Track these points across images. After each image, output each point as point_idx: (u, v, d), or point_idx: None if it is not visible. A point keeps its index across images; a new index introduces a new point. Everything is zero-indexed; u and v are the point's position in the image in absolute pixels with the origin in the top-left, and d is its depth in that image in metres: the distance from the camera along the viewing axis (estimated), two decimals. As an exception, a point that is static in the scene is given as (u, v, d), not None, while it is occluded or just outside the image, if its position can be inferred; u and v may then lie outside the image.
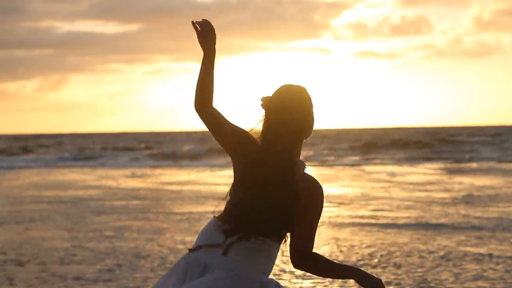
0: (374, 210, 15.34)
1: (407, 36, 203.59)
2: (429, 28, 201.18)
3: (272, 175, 3.26)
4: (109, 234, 12.44)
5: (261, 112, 3.38)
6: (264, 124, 3.34)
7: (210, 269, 3.25)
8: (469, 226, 12.80)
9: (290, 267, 9.20)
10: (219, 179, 26.24)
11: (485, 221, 13.48)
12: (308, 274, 9.00)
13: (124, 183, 25.42)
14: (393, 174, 27.93)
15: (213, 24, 3.37)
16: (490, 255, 10.06)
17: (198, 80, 3.35)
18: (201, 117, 3.38)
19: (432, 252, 10.40)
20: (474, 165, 34.68)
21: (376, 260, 9.86)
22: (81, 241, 11.72)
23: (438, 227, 12.75)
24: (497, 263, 9.55)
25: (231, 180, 3.40)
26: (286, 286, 8.37)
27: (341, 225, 12.89)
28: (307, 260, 3.31)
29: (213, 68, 3.35)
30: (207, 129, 3.44)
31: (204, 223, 13.58)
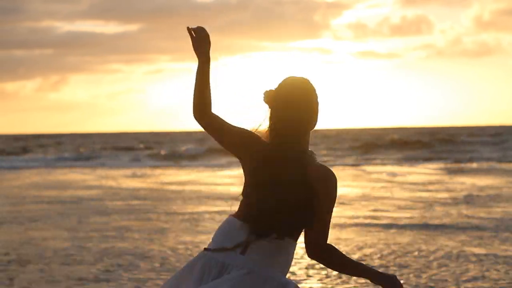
0: (375, 210, 15.32)
1: (407, 36, 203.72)
2: (429, 28, 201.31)
3: (284, 171, 3.24)
4: (110, 234, 12.42)
5: (265, 108, 3.36)
6: (271, 121, 3.33)
7: (228, 268, 3.23)
8: (470, 226, 12.79)
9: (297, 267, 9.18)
10: (219, 179, 26.20)
11: (487, 221, 13.46)
12: (314, 275, 9.01)
13: (124, 183, 25.41)
14: (393, 174, 27.92)
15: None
16: (492, 255, 10.05)
17: (195, 89, 3.32)
18: (201, 125, 3.37)
19: (434, 252, 10.39)
20: (474, 165, 34.66)
21: (377, 261, 9.85)
22: (82, 241, 11.70)
23: (439, 227, 12.73)
24: (500, 263, 9.54)
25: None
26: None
27: (342, 226, 12.86)
28: (323, 251, 3.31)
29: (209, 75, 3.33)
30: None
31: (204, 223, 13.63)
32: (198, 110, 3.33)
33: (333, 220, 13.73)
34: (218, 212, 15.35)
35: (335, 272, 9.08)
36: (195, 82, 3.32)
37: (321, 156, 45.55)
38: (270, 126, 3.32)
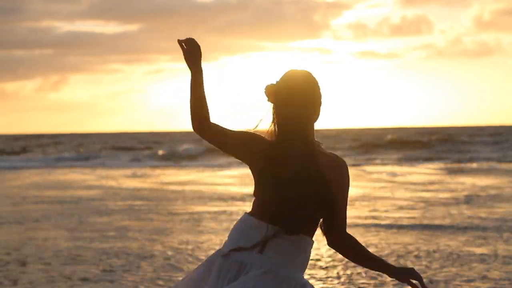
0: (376, 211, 15.32)
1: (407, 36, 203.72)
2: (429, 28, 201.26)
3: (295, 165, 3.23)
4: (112, 234, 12.42)
5: (267, 105, 3.34)
6: (274, 117, 3.31)
7: (246, 268, 3.22)
8: (471, 226, 12.78)
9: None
10: (219, 179, 26.20)
11: (489, 221, 13.46)
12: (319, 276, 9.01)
13: (125, 183, 25.41)
14: (393, 174, 27.93)
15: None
16: (494, 256, 10.04)
17: (191, 102, 3.31)
18: (201, 137, 3.36)
19: (435, 252, 10.39)
20: (474, 165, 34.66)
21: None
22: (83, 241, 11.70)
23: (441, 227, 12.73)
24: (501, 263, 9.54)
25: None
26: None
27: (343, 225, 12.83)
28: (343, 238, 3.34)
29: (203, 86, 3.32)
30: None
31: (205, 223, 13.63)
32: (197, 123, 3.31)
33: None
34: (219, 212, 15.34)
35: (335, 272, 9.08)
36: (191, 95, 3.31)
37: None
38: (274, 122, 3.31)
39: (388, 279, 8.62)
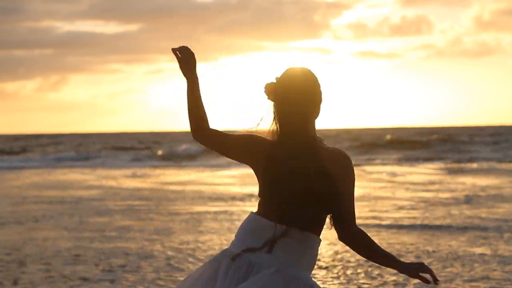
0: (376, 211, 15.31)
1: (407, 36, 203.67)
2: (429, 28, 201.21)
3: (300, 163, 3.22)
4: (112, 234, 12.41)
5: (267, 105, 3.33)
6: (276, 116, 3.31)
7: (255, 268, 3.21)
8: (472, 227, 12.77)
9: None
10: (219, 179, 26.20)
11: (489, 221, 13.45)
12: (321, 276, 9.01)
13: (125, 183, 25.40)
14: (393, 174, 27.92)
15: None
16: (495, 256, 10.04)
17: (188, 109, 3.34)
18: (200, 140, 3.37)
19: (435, 252, 10.38)
20: (474, 165, 34.65)
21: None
22: (83, 241, 11.69)
23: (441, 228, 12.72)
24: (503, 264, 9.53)
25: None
26: None
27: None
28: (353, 233, 3.34)
29: (199, 93, 3.34)
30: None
31: (205, 223, 13.62)
32: (197, 131, 3.34)
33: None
34: (219, 212, 15.33)
35: (335, 272, 9.07)
36: (188, 102, 3.34)
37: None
38: (275, 121, 3.30)
39: (389, 279, 8.61)
